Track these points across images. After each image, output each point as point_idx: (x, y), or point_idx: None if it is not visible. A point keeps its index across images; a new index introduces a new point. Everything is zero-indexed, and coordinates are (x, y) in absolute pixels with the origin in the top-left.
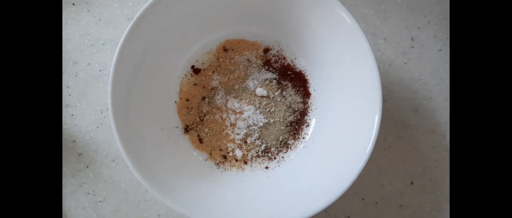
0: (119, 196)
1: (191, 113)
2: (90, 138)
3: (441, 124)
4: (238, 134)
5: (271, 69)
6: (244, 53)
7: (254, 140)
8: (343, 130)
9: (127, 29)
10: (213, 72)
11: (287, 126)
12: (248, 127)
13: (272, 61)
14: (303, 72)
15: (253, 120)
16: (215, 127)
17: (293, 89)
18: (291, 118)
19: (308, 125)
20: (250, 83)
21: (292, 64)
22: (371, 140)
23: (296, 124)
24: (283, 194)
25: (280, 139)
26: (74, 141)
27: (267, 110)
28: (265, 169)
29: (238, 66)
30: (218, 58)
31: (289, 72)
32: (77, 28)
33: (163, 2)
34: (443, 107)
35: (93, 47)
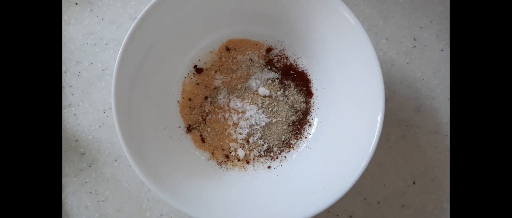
0: (121, 195)
1: (193, 112)
2: (93, 137)
3: (443, 123)
4: (240, 133)
5: (273, 69)
6: (247, 53)
7: (257, 139)
8: (346, 129)
9: (130, 29)
10: (216, 71)
11: (289, 126)
12: (250, 126)
13: (274, 61)
14: (305, 72)
15: (255, 119)
16: (217, 127)
17: (296, 89)
18: (293, 118)
19: (310, 125)
20: (253, 83)
21: (294, 64)
22: (374, 139)
23: (299, 124)
24: (285, 194)
25: (283, 139)
26: (77, 140)
27: (270, 109)
28: (267, 169)
29: (241, 66)
30: (220, 58)
31: (291, 72)
32: (80, 27)
33: (166, 1)
34: (445, 107)
35: (96, 46)
